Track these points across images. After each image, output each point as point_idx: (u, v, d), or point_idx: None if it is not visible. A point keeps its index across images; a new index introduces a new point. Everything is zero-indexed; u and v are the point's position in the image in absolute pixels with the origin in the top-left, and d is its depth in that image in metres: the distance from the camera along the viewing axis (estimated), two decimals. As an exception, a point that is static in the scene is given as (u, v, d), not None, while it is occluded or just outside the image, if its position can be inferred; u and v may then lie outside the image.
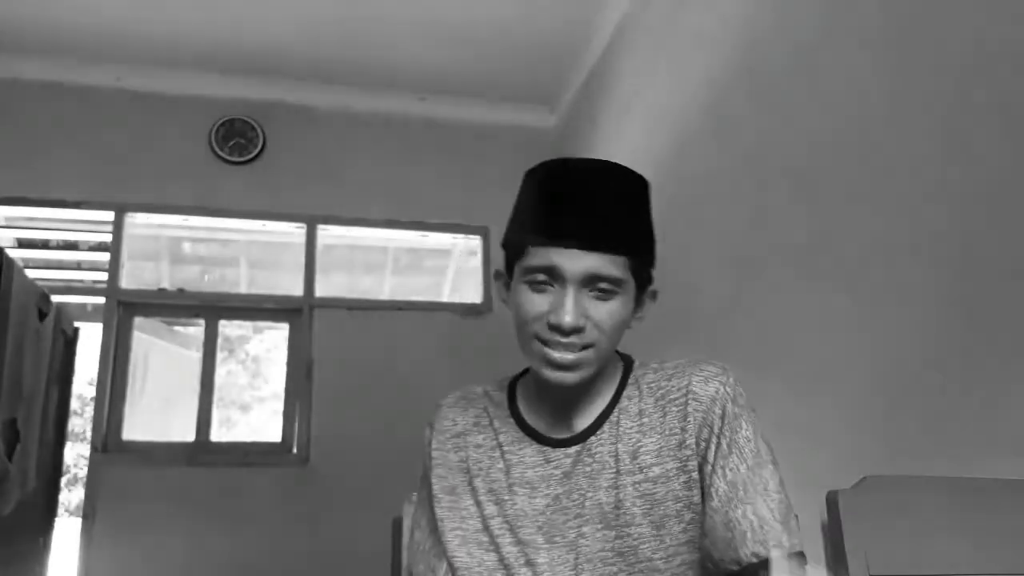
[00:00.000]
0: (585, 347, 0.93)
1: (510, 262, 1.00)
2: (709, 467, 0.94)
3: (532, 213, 0.97)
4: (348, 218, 4.16)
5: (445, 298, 4.28)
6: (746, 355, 2.27)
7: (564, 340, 0.92)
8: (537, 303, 0.94)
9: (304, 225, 4.09)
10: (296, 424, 3.81)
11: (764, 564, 0.84)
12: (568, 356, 0.93)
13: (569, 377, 0.94)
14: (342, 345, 3.93)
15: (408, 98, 4.29)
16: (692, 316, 2.56)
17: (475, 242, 4.31)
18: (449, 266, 4.38)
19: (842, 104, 1.96)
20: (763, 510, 0.90)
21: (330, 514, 3.64)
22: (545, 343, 0.93)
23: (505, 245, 1.01)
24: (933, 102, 1.65)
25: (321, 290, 4.03)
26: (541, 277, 0.93)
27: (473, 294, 4.25)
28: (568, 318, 0.91)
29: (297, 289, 4.02)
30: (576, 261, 0.91)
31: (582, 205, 0.93)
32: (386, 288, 4.22)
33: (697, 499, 0.94)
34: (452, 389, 1.14)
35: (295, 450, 3.78)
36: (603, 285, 0.92)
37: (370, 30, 3.72)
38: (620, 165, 0.98)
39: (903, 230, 1.71)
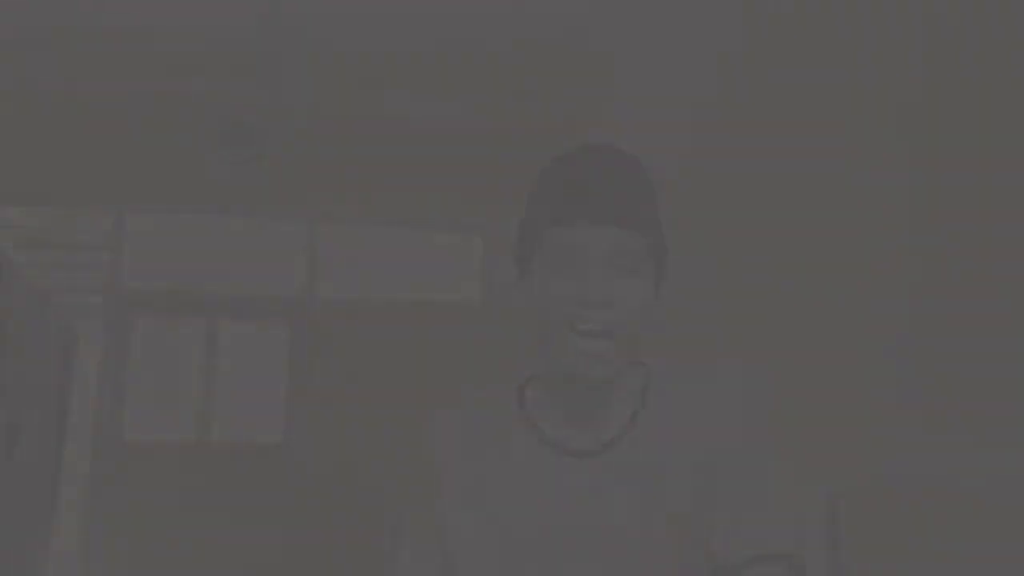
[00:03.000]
0: (611, 331, 0.90)
1: (525, 259, 0.97)
2: (726, 470, 0.93)
3: (548, 198, 0.95)
4: (349, 218, 4.15)
5: (445, 298, 4.27)
6: (746, 355, 2.26)
7: (591, 315, 0.89)
8: (560, 287, 0.91)
9: (304, 225, 4.09)
10: (296, 424, 3.81)
11: (760, 560, 0.87)
12: (599, 342, 0.89)
13: (598, 370, 0.90)
14: (342, 345, 3.93)
15: (408, 98, 4.27)
16: (692, 315, 2.55)
17: (475, 242, 4.31)
18: (449, 266, 4.37)
19: (844, 103, 1.96)
20: (771, 512, 0.91)
21: (329, 514, 3.64)
22: (572, 329, 0.90)
23: (518, 242, 0.99)
24: (937, 100, 1.64)
25: (321, 290, 4.02)
26: (563, 259, 0.91)
27: (473, 294, 4.24)
28: (594, 293, 0.88)
29: (297, 289, 4.01)
30: (599, 238, 0.90)
31: (599, 183, 0.92)
32: (386, 288, 4.21)
33: (710, 501, 0.94)
34: (451, 389, 1.12)
35: (295, 450, 3.78)
36: (625, 261, 0.90)
37: (370, 29, 3.71)
38: (628, 152, 0.97)
39: (906, 229, 1.71)
